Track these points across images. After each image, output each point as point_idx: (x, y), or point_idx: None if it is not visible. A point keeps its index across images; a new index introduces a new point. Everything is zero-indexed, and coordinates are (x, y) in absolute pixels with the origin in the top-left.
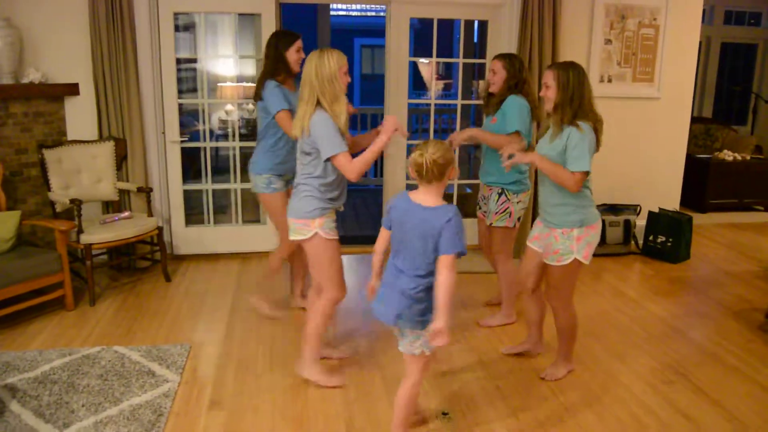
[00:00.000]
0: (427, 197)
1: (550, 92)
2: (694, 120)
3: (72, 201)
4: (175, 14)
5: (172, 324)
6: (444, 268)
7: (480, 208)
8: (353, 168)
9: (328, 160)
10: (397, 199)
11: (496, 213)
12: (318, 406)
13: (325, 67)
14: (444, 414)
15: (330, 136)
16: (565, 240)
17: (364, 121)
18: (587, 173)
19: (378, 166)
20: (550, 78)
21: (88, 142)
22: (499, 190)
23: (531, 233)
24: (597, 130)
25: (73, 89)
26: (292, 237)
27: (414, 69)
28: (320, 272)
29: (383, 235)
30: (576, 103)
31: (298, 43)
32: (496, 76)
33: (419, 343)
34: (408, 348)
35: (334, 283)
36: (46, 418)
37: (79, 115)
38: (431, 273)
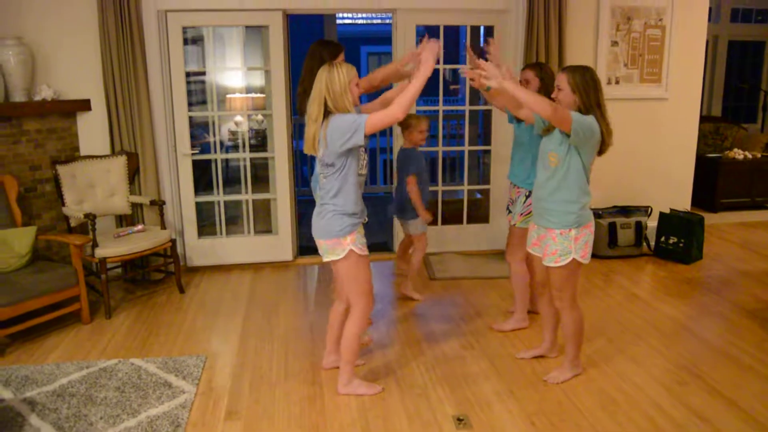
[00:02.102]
0: None
1: (562, 95)
2: (703, 119)
3: (86, 215)
4: (184, 28)
5: (187, 335)
6: None
7: (509, 212)
8: (394, 109)
9: (365, 136)
10: None
11: (521, 214)
12: (334, 415)
13: (336, 81)
14: (459, 420)
15: (349, 119)
16: (563, 240)
17: None
18: (570, 119)
19: (389, 172)
20: (563, 81)
21: (100, 157)
22: (527, 193)
23: (529, 239)
24: (605, 133)
25: (85, 105)
26: (325, 258)
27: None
28: (354, 288)
29: None
30: (587, 106)
31: (342, 55)
32: (529, 84)
33: None
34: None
35: (366, 297)
36: (65, 431)
37: (92, 131)
38: None
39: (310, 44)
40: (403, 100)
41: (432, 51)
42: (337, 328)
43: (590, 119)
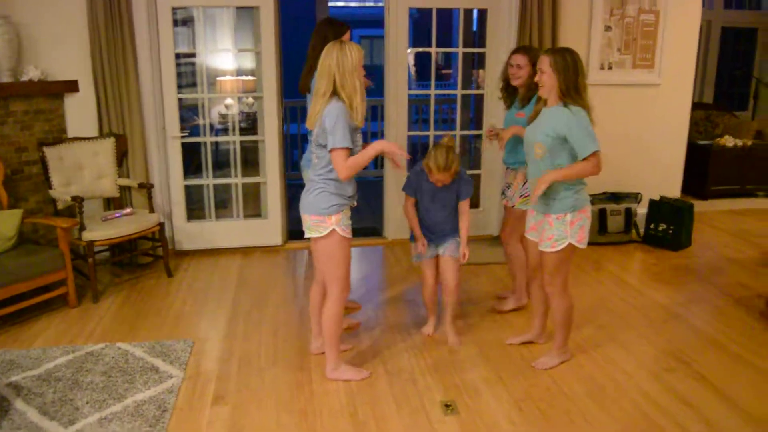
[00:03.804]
0: None
1: (545, 77)
2: (695, 106)
3: (73, 198)
4: (174, 9)
5: (175, 320)
6: None
7: (504, 195)
8: (346, 166)
9: (329, 151)
10: None
11: (522, 196)
12: (322, 400)
13: (348, 59)
14: (447, 406)
15: (339, 128)
16: (559, 225)
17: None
18: (599, 155)
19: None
20: (545, 63)
21: (88, 139)
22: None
23: (527, 224)
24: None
25: (72, 86)
26: (308, 234)
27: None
28: (331, 270)
29: None
30: (571, 88)
31: (348, 34)
32: (521, 70)
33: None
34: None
35: (342, 282)
36: (50, 416)
37: (79, 112)
38: None
39: (310, 25)
40: (349, 165)
41: (396, 152)
42: (318, 311)
43: (586, 122)
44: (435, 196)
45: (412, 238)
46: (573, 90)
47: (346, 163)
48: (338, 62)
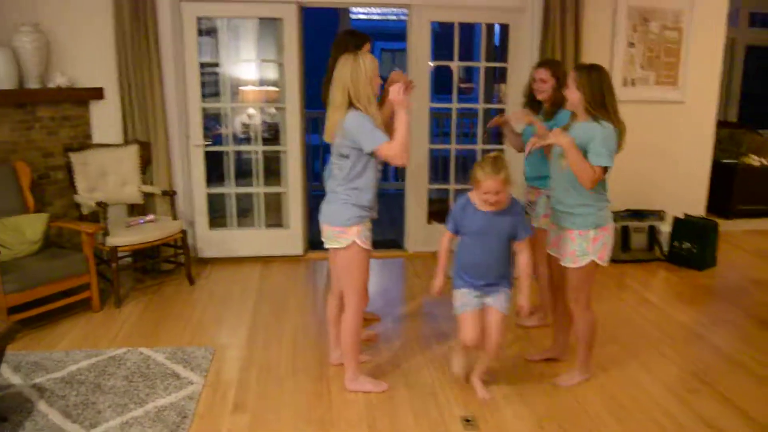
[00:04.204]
0: None
1: (569, 92)
2: (719, 124)
3: (98, 204)
4: (198, 19)
5: (196, 326)
6: None
7: (526, 214)
8: (395, 152)
9: (371, 154)
10: None
11: (545, 215)
12: (341, 411)
13: (361, 71)
14: (467, 421)
15: (370, 130)
16: (581, 241)
17: None
18: (606, 170)
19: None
20: (570, 78)
21: (113, 145)
22: (548, 194)
23: (549, 239)
24: (618, 134)
25: (98, 93)
26: (327, 244)
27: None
28: (350, 281)
29: None
30: (596, 105)
31: (368, 45)
32: (545, 84)
33: None
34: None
35: (360, 293)
36: (73, 418)
37: (105, 119)
38: None
39: (333, 37)
40: (401, 145)
41: (396, 92)
42: (335, 323)
43: (610, 139)
44: (484, 234)
45: (457, 284)
46: (600, 106)
47: (392, 150)
48: (351, 74)
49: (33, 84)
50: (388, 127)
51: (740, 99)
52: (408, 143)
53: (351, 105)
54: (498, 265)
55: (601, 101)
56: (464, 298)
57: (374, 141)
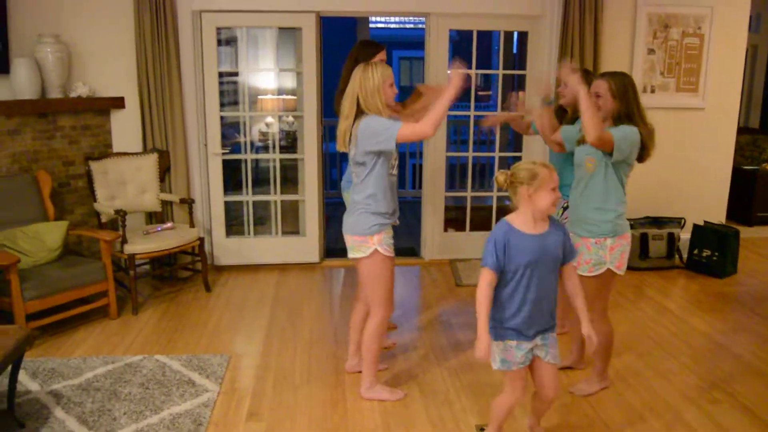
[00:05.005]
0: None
1: (601, 101)
2: (741, 130)
3: (117, 212)
4: (218, 29)
5: (212, 334)
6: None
7: None
8: (424, 125)
9: (395, 139)
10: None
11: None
12: (356, 419)
13: (369, 80)
14: (481, 429)
15: (383, 123)
16: (597, 250)
17: None
18: (613, 142)
19: (417, 177)
20: (602, 87)
21: (132, 154)
22: (564, 204)
23: None
24: (647, 139)
25: (118, 103)
26: (351, 254)
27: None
28: (375, 289)
29: None
30: (627, 112)
31: (381, 55)
32: (567, 88)
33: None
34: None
35: (385, 301)
36: (89, 425)
37: (125, 128)
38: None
39: (351, 45)
40: (432, 118)
41: (460, 76)
42: (358, 331)
43: (630, 132)
44: (536, 263)
45: (500, 336)
46: (637, 113)
47: (420, 125)
48: (361, 83)
49: (55, 94)
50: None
51: (762, 105)
52: (441, 120)
53: (362, 113)
54: (550, 303)
55: (638, 108)
56: (510, 355)
57: (391, 130)
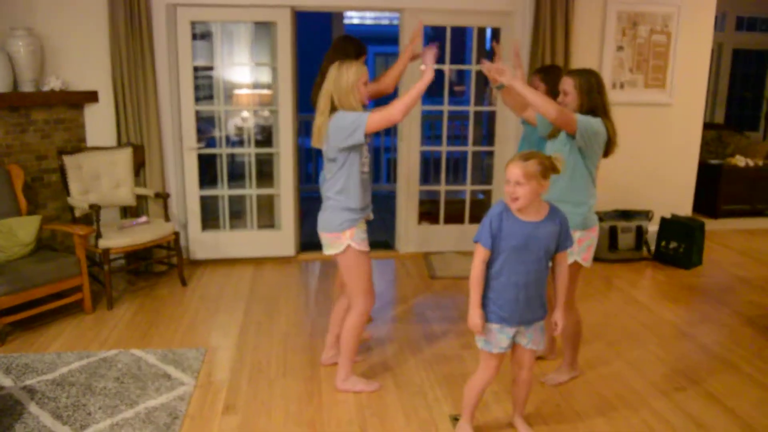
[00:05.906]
0: None
1: (569, 98)
2: (706, 126)
3: (91, 206)
4: (193, 23)
5: (188, 328)
6: None
7: None
8: (392, 110)
9: (365, 135)
10: None
11: None
12: (331, 412)
13: (343, 79)
14: (456, 419)
15: (351, 117)
16: None
17: None
18: (575, 121)
19: (392, 171)
20: (569, 84)
21: (106, 148)
22: None
23: None
24: (612, 133)
25: (92, 97)
26: (326, 251)
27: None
28: (353, 283)
29: None
30: (593, 108)
31: (360, 55)
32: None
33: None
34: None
35: (365, 294)
36: (63, 420)
37: (99, 122)
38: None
39: (326, 41)
40: (402, 103)
41: (432, 72)
42: (339, 323)
43: (595, 121)
44: (525, 248)
45: (494, 318)
46: (602, 110)
47: (388, 110)
48: (335, 82)
49: (27, 87)
50: (394, 80)
51: (727, 101)
52: (411, 106)
53: (335, 110)
54: (538, 290)
55: (602, 105)
56: (494, 337)
57: (359, 121)
